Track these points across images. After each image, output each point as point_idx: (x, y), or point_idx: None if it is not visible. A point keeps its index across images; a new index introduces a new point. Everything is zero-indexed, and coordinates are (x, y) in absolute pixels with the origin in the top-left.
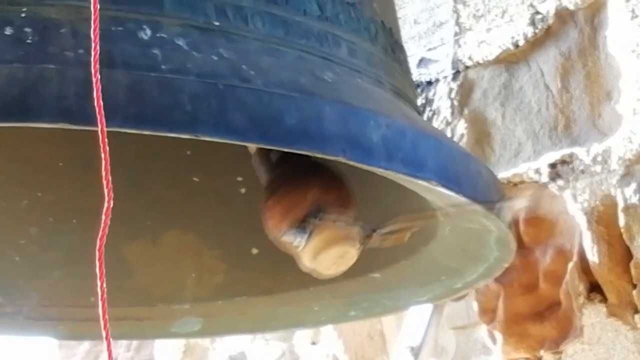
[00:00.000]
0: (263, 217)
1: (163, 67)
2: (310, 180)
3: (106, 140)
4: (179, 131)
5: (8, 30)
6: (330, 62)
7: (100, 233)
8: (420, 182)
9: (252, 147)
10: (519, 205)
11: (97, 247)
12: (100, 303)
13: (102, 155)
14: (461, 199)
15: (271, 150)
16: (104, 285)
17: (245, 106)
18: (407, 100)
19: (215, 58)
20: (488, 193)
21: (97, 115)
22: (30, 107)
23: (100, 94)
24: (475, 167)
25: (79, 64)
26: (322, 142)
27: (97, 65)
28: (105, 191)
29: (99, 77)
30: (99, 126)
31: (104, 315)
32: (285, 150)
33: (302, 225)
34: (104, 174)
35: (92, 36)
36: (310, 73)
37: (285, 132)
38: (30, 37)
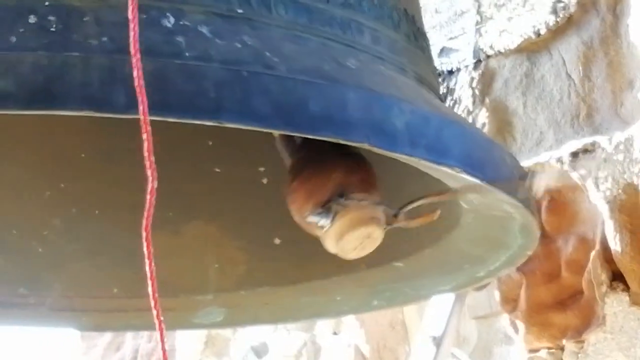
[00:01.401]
0: (287, 200)
1: (187, 54)
2: (334, 162)
3: (148, 121)
4: (203, 118)
5: (32, 19)
6: (354, 50)
7: (145, 214)
8: (444, 168)
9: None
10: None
11: (144, 227)
12: (150, 288)
13: (145, 136)
14: (485, 185)
15: None
16: (153, 267)
17: (269, 93)
18: (430, 87)
19: (239, 45)
20: (512, 180)
21: (139, 96)
22: (55, 94)
23: (142, 80)
24: (499, 153)
25: (102, 52)
26: (347, 129)
27: (138, 52)
28: (149, 172)
29: (140, 64)
30: (141, 107)
31: (155, 303)
32: (310, 137)
33: (326, 207)
34: (146, 154)
35: (129, 23)
36: (333, 60)
37: (310, 118)
38: (54, 25)
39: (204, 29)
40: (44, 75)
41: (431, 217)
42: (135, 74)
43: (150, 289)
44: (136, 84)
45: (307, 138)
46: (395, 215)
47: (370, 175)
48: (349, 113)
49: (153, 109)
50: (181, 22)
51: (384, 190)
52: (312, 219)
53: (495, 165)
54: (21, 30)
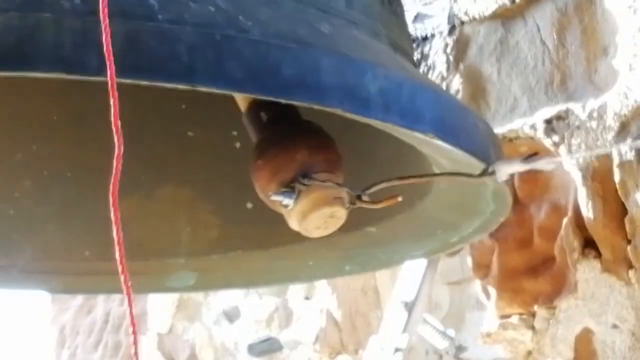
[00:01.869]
0: (253, 177)
1: (160, 16)
2: (299, 141)
3: (115, 86)
4: (175, 81)
5: None
6: (327, 14)
7: (112, 179)
8: (417, 134)
9: (243, 106)
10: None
11: (110, 192)
12: (117, 252)
13: (112, 101)
14: (458, 152)
15: (261, 109)
16: (120, 233)
17: (242, 57)
18: (404, 53)
19: (212, 9)
20: (485, 146)
21: (107, 62)
22: (27, 55)
23: (109, 42)
24: (473, 120)
25: (75, 14)
26: (320, 94)
27: (106, 11)
28: (115, 137)
29: (107, 26)
30: (108, 72)
31: (122, 268)
32: (283, 101)
33: (290, 186)
34: (112, 120)
35: None
36: (307, 24)
37: (283, 83)
38: None
39: None
40: (16, 36)
41: (394, 200)
42: (103, 38)
43: (117, 255)
44: (104, 48)
45: (274, 117)
46: (359, 197)
47: (334, 155)
48: (323, 78)
49: (125, 71)
50: None
51: (359, 157)
52: (276, 197)
53: (468, 131)
54: None
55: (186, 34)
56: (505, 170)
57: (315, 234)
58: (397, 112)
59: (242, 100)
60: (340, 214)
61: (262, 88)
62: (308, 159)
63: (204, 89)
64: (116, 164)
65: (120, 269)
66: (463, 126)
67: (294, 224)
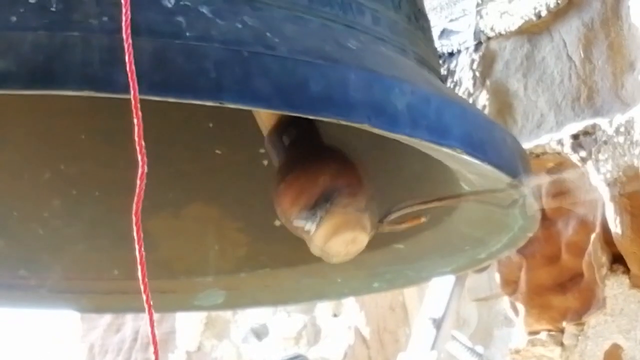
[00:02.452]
0: (274, 201)
1: (187, 34)
2: (321, 165)
3: (139, 106)
4: (203, 98)
5: None
6: (354, 30)
7: (135, 198)
8: (445, 149)
9: (265, 129)
10: (539, 180)
11: (134, 212)
12: (140, 270)
13: (135, 120)
14: (486, 167)
15: (283, 133)
16: (142, 250)
17: (269, 73)
18: (431, 68)
19: (240, 25)
20: (513, 161)
21: (130, 81)
22: (55, 74)
23: (132, 59)
24: (500, 134)
25: (103, 32)
26: (347, 110)
27: (129, 31)
28: (139, 156)
29: (130, 43)
30: (132, 92)
31: (144, 284)
32: (310, 117)
33: (312, 210)
34: (137, 139)
35: (121, 2)
36: (334, 41)
37: (310, 99)
38: (54, 5)
39: (205, 9)
40: (44, 54)
41: (417, 221)
42: (127, 58)
43: (139, 274)
44: (128, 68)
45: (296, 140)
46: (381, 221)
47: (358, 179)
48: (350, 94)
49: (153, 89)
50: (181, 2)
51: (386, 173)
52: (298, 222)
53: (496, 146)
54: (21, 10)
55: (214, 51)
56: (531, 182)
57: (336, 259)
58: (424, 128)
59: (264, 123)
60: (361, 239)
61: (290, 104)
62: (330, 183)
63: (231, 106)
64: (140, 183)
65: (142, 288)
66: (491, 141)
67: (315, 249)
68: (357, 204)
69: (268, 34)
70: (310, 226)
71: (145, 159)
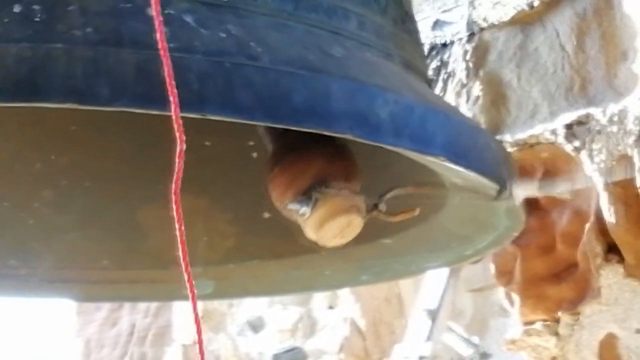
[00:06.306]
0: (269, 186)
1: (171, 45)
2: (315, 150)
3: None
4: (186, 110)
5: (17, 8)
6: (339, 36)
7: (174, 176)
8: (429, 157)
9: None
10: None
11: (173, 191)
12: (181, 255)
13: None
14: (469, 174)
15: None
16: (182, 230)
17: (252, 85)
18: (417, 72)
19: (223, 35)
20: (496, 167)
21: (170, 96)
22: (39, 87)
23: (171, 72)
24: (485, 140)
25: (86, 43)
26: (330, 120)
27: (165, 44)
28: (177, 134)
29: (169, 58)
30: (172, 106)
31: (185, 265)
32: (293, 128)
33: (306, 195)
34: (174, 117)
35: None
36: (318, 49)
37: (293, 110)
38: (38, 15)
39: (189, 18)
40: (28, 67)
41: (411, 212)
42: (166, 72)
43: (180, 254)
44: (167, 82)
45: None
46: (376, 205)
47: (351, 163)
48: (333, 104)
49: (136, 101)
50: (166, 11)
51: (371, 171)
52: (293, 206)
53: (480, 153)
54: (6, 20)
55: (196, 63)
56: (521, 194)
57: (332, 243)
58: (407, 137)
59: None
60: (357, 223)
61: (272, 116)
62: (324, 167)
63: (214, 118)
64: (178, 161)
65: (184, 269)
66: (474, 147)
67: (310, 232)
68: (352, 188)
69: (252, 43)
70: (305, 210)
71: (183, 137)
